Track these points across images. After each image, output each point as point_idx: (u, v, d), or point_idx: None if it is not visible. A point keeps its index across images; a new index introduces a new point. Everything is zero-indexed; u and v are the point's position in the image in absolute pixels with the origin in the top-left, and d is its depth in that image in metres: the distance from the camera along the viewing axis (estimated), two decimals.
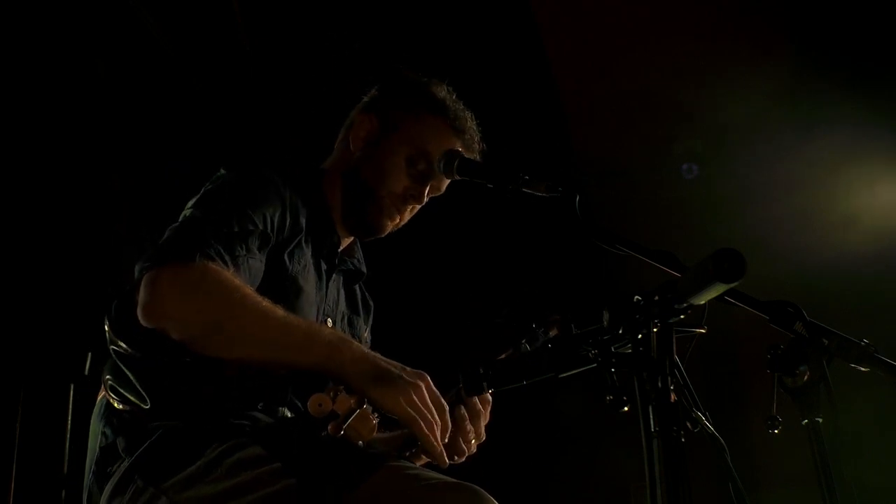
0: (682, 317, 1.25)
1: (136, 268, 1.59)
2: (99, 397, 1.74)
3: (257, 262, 1.68)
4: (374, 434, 1.48)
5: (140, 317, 1.55)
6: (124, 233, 3.40)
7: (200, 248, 1.57)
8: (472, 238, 4.93)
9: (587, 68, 4.57)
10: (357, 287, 2.13)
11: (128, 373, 1.66)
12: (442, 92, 2.05)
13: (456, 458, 1.81)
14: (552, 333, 1.95)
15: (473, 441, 1.82)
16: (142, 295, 1.55)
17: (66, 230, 3.34)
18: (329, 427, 1.42)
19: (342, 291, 2.04)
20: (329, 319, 1.93)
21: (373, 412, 1.48)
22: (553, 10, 4.24)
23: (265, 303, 1.57)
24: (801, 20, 4.24)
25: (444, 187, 2.04)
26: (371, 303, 2.18)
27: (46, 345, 3.15)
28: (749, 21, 4.29)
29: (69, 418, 3.07)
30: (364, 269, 2.12)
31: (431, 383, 1.56)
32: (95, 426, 1.71)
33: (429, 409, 1.52)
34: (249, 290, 1.58)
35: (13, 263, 3.16)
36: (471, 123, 2.04)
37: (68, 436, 3.06)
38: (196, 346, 1.55)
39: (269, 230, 1.72)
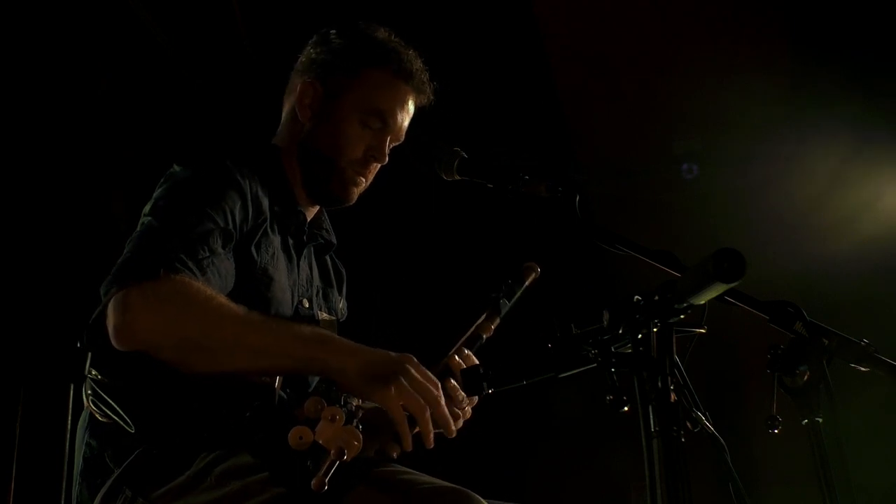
0: (682, 317, 1.25)
1: (101, 290, 1.53)
2: (84, 407, 1.72)
3: (224, 261, 1.63)
4: (362, 445, 1.44)
5: (113, 341, 1.49)
6: (125, 232, 3.39)
7: (163, 261, 1.51)
8: (472, 238, 4.93)
9: (587, 68, 4.57)
10: (328, 258, 2.09)
11: (107, 398, 1.63)
12: (381, 36, 1.96)
13: (453, 428, 1.80)
14: (529, 281, 1.93)
15: (468, 408, 1.81)
16: (111, 319, 1.49)
17: (67, 230, 3.34)
18: (313, 483, 1.34)
19: (314, 265, 2.00)
20: (305, 300, 1.89)
21: (357, 425, 1.44)
22: (553, 11, 4.24)
23: (241, 310, 1.52)
24: (802, 20, 4.23)
25: (403, 136, 1.97)
26: (343, 271, 2.14)
27: (46, 345, 3.14)
28: (750, 21, 4.29)
29: (69, 418, 3.08)
30: (334, 239, 2.07)
31: (417, 363, 1.52)
32: (81, 436, 1.69)
33: (423, 390, 1.48)
34: (223, 300, 1.53)
35: (13, 263, 3.16)
36: (417, 63, 1.95)
37: (68, 435, 3.06)
38: (177, 364, 1.50)
39: (230, 226, 1.66)
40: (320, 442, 1.38)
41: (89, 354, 1.70)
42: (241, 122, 3.78)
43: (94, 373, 1.65)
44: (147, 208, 1.70)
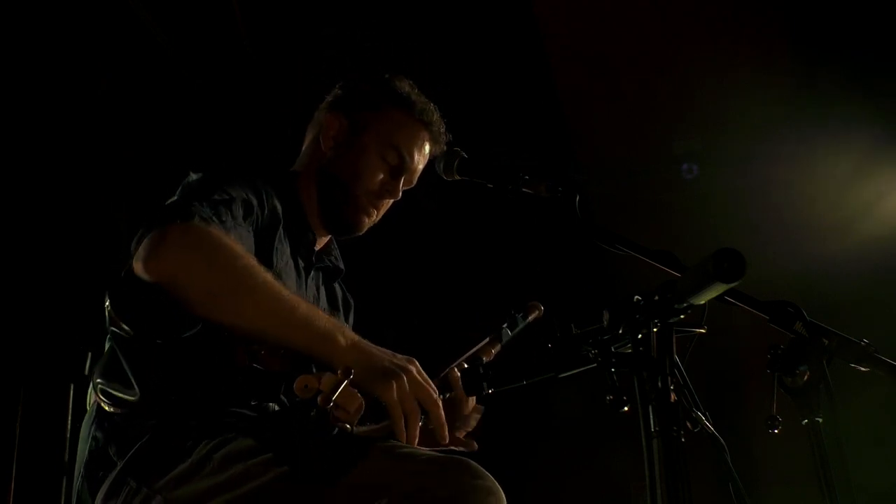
0: (682, 317, 1.25)
1: (133, 244, 1.60)
2: (90, 403, 1.74)
3: (245, 231, 1.70)
4: (362, 411, 1.48)
5: (141, 270, 1.54)
6: (124, 232, 3.39)
7: (196, 212, 1.59)
8: (472, 238, 4.93)
9: (587, 68, 4.57)
10: (337, 285, 2.15)
11: (121, 358, 1.65)
12: (405, 86, 2.07)
13: (445, 434, 1.82)
14: (531, 317, 1.99)
15: (471, 421, 1.85)
16: (143, 251, 1.55)
17: (67, 231, 3.34)
18: (318, 399, 1.42)
19: (322, 289, 2.06)
20: None
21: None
22: (553, 11, 4.24)
23: (270, 275, 1.59)
24: (802, 20, 4.23)
25: (416, 179, 2.06)
26: (352, 301, 2.19)
27: (46, 345, 3.15)
28: (750, 21, 4.29)
29: (69, 418, 3.08)
30: (342, 266, 2.14)
31: (421, 368, 1.57)
32: (86, 431, 1.70)
33: (422, 393, 1.53)
34: (254, 260, 1.60)
35: (13, 263, 3.16)
36: (436, 115, 2.06)
37: (68, 435, 3.07)
38: (194, 307, 1.55)
39: (249, 199, 1.74)
40: (324, 391, 1.43)
41: (90, 354, 1.72)
42: (265, 134, 3.80)
43: (122, 325, 1.66)
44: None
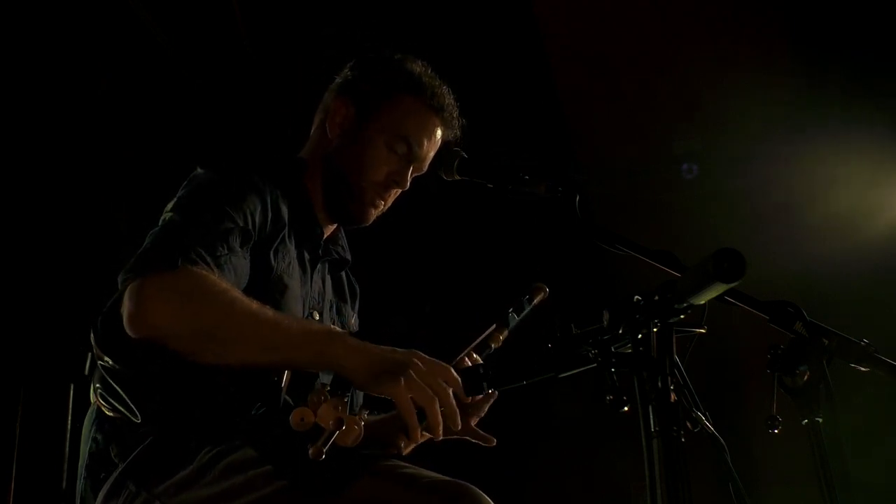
0: (682, 317, 1.25)
1: (119, 279, 1.56)
2: (92, 402, 1.74)
3: (241, 260, 1.66)
4: (360, 439, 1.44)
5: (127, 329, 1.52)
6: (124, 232, 3.40)
7: (182, 253, 1.54)
8: (472, 238, 4.93)
9: (587, 68, 4.57)
10: (343, 273, 2.11)
11: (116, 386, 1.65)
12: (417, 69, 1.99)
13: (458, 421, 1.82)
14: (537, 300, 1.97)
15: (483, 406, 1.85)
16: (127, 306, 1.52)
17: (67, 230, 3.34)
18: (310, 451, 1.37)
19: (328, 279, 2.02)
20: (315, 312, 1.91)
21: (357, 416, 1.45)
22: (553, 11, 4.24)
23: (254, 304, 1.55)
24: (802, 20, 4.23)
25: (426, 166, 1.99)
26: (357, 287, 2.16)
27: (46, 345, 3.15)
28: (750, 21, 4.29)
29: (69, 418, 3.08)
30: (349, 256, 2.10)
31: (424, 356, 1.53)
32: (87, 431, 1.70)
33: (432, 381, 1.48)
34: (237, 293, 1.56)
35: (13, 263, 3.16)
36: (449, 99, 1.99)
37: (68, 435, 3.07)
38: (189, 354, 1.53)
39: (249, 226, 1.69)
40: (321, 424, 1.40)
41: (90, 354, 1.72)
42: (265, 134, 3.79)
43: (105, 359, 1.66)
44: (169, 206, 1.73)
